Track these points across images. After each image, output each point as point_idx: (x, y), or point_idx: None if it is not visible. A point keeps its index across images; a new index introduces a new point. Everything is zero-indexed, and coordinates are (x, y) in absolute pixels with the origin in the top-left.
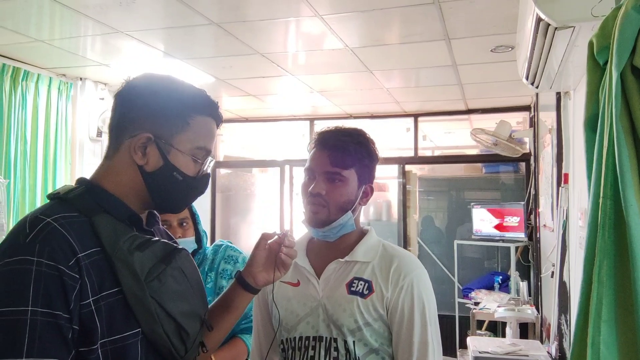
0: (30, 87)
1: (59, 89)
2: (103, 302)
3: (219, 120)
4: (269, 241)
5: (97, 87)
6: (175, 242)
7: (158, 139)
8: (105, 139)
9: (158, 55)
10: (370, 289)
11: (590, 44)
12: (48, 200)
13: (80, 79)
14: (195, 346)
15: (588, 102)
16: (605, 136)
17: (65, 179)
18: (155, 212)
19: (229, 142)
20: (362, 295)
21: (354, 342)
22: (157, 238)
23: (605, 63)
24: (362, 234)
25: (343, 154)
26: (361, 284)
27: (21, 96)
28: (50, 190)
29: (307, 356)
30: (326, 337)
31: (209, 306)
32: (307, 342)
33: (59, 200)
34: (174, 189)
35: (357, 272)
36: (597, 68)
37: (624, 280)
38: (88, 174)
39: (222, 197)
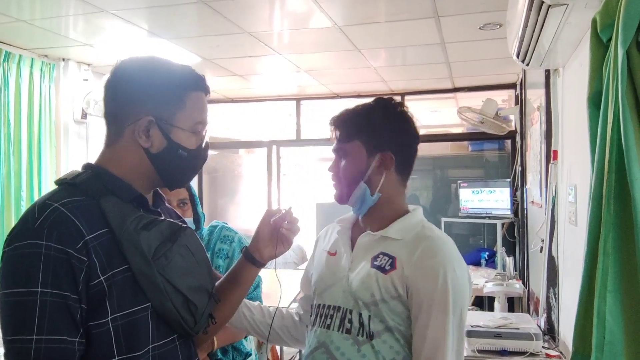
0: (12, 69)
1: (41, 70)
2: (113, 280)
3: (208, 91)
4: (272, 218)
5: (81, 67)
6: (183, 220)
7: (159, 121)
8: (90, 120)
9: (143, 35)
10: (392, 265)
11: (594, 21)
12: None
13: (63, 59)
14: (204, 318)
15: (591, 79)
16: (610, 112)
17: (50, 162)
18: (160, 192)
19: (214, 123)
20: (384, 271)
21: (369, 316)
22: (163, 218)
23: (609, 40)
24: (406, 212)
25: (344, 127)
26: (385, 259)
27: (3, 78)
28: (35, 174)
29: (325, 324)
30: (343, 308)
31: (218, 282)
32: (327, 310)
33: (66, 185)
34: (181, 165)
35: (385, 248)
36: (600, 45)
37: (629, 251)
38: (74, 157)
39: (209, 178)
